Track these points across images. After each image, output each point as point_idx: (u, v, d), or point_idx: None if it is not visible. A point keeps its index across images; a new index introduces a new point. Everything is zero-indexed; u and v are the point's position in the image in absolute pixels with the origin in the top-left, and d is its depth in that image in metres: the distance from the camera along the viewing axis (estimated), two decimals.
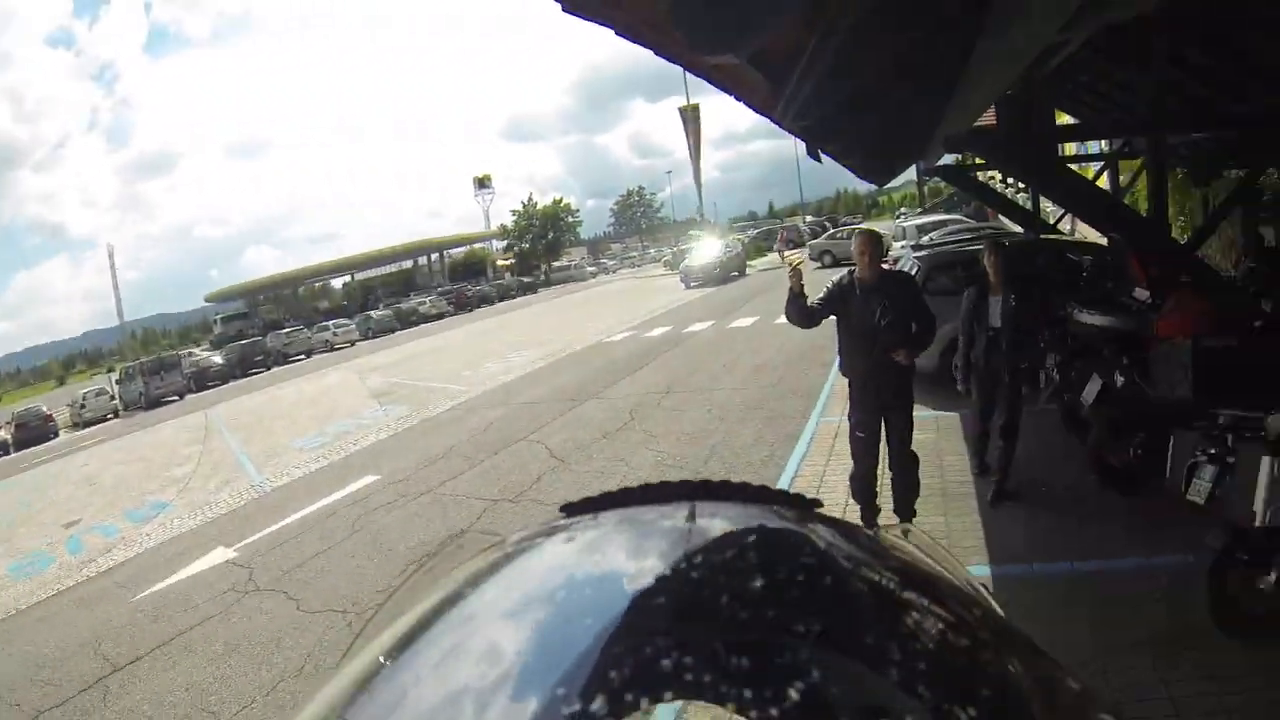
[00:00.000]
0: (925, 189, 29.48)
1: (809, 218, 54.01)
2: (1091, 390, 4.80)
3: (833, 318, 4.37)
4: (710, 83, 3.41)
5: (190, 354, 35.02)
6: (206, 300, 70.96)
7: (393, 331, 38.12)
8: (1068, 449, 5.30)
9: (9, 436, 25.95)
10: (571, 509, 0.83)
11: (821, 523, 0.79)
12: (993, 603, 0.80)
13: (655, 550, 0.69)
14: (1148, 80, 7.01)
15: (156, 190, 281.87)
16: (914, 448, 4.48)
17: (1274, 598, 2.94)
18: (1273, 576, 2.94)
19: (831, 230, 35.10)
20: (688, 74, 3.40)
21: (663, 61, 3.02)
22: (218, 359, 32.76)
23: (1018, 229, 11.22)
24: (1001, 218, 16.37)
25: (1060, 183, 6.81)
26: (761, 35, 1.97)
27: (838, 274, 4.39)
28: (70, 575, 7.69)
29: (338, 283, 69.02)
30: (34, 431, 25.79)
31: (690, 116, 44.01)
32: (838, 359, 4.55)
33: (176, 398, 27.56)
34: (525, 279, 55.36)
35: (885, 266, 4.64)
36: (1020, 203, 11.89)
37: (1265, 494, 2.87)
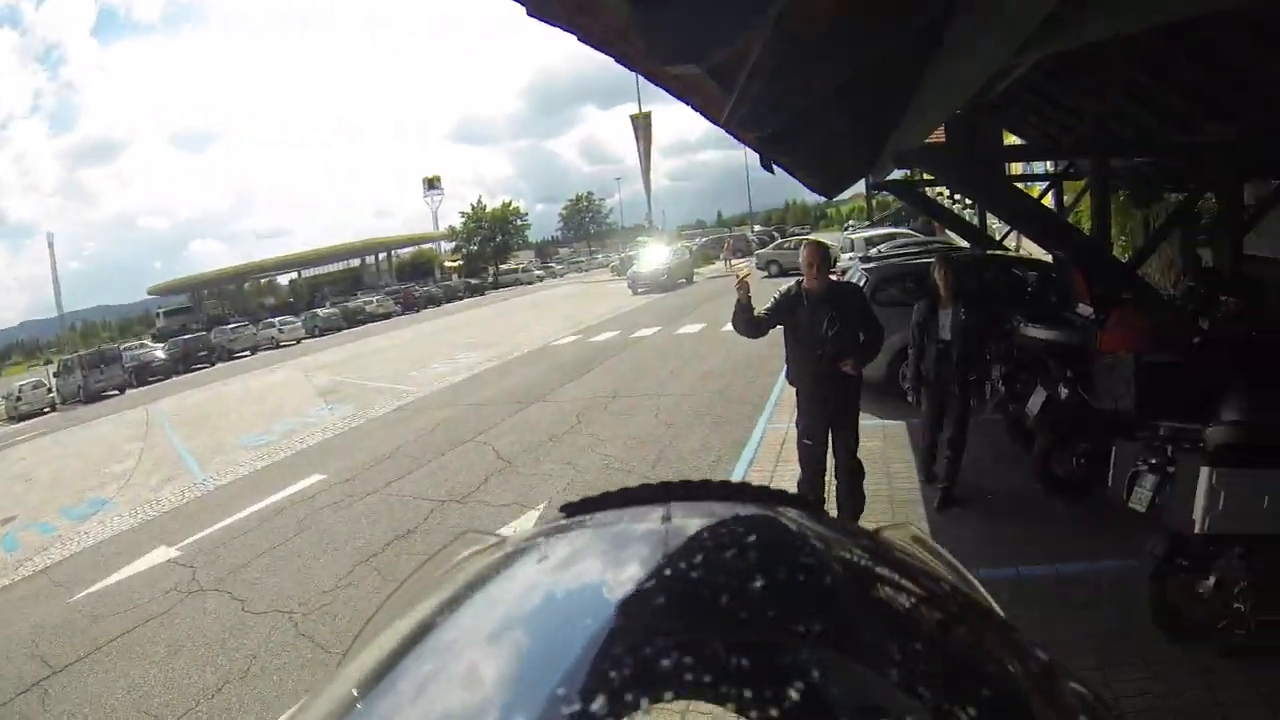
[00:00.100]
0: (874, 202, 29.96)
1: (757, 227, 54.35)
2: (1036, 401, 4.94)
3: (780, 327, 4.39)
4: (670, 93, 3.42)
5: (132, 347, 33.78)
6: (150, 293, 69.12)
7: (339, 330, 37.46)
8: (1013, 458, 5.44)
9: None
10: (572, 509, 0.83)
11: (823, 523, 0.80)
12: (992, 602, 0.82)
13: (656, 550, 0.69)
14: (1091, 105, 7.28)
15: (100, 178, 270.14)
16: (861, 456, 4.54)
17: (1213, 603, 3.05)
18: (1211, 582, 3.06)
19: (779, 240, 35.41)
20: (641, 82, 3.39)
21: (616, 68, 3.01)
22: (160, 353, 31.70)
23: (965, 244, 11.43)
24: (949, 232, 16.73)
25: (1007, 201, 7.00)
26: (725, 49, 1.99)
27: (785, 284, 4.43)
28: (5, 574, 7.36)
29: (284, 279, 67.81)
30: None
31: (642, 124, 44.36)
32: (785, 367, 4.59)
33: (117, 392, 26.59)
34: (473, 281, 55.10)
35: (833, 277, 4.68)
36: (967, 218, 12.19)
37: (1204, 502, 2.97)
